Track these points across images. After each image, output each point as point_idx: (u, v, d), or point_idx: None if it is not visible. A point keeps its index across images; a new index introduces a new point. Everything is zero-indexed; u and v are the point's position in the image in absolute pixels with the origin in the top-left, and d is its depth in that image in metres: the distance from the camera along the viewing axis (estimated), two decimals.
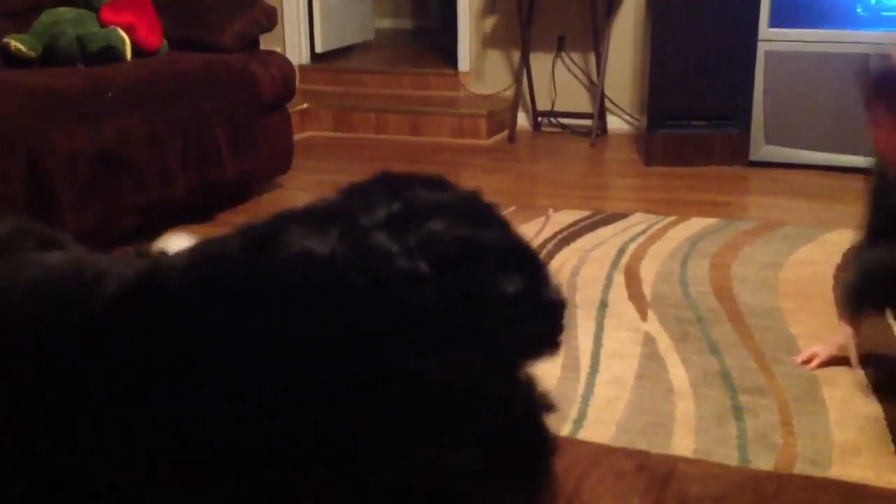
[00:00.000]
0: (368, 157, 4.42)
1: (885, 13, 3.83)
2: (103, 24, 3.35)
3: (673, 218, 3.32)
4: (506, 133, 4.76)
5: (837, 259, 2.88)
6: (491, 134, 4.72)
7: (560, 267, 2.85)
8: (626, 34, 4.74)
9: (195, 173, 3.26)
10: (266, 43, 3.92)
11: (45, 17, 3.33)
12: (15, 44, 3.25)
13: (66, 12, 3.35)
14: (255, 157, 3.58)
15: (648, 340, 2.34)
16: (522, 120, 4.90)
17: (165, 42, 3.53)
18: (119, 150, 2.94)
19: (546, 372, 2.14)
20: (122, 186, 2.96)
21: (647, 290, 2.67)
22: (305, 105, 4.83)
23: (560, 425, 1.93)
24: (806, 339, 2.33)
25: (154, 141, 3.08)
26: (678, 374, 2.16)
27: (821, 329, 2.37)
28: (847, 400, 2.02)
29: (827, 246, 3.01)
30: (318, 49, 5.42)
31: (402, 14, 7.18)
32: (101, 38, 3.27)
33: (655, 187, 3.86)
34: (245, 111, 3.51)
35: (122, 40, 3.28)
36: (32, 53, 3.26)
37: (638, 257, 2.93)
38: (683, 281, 2.73)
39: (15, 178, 2.59)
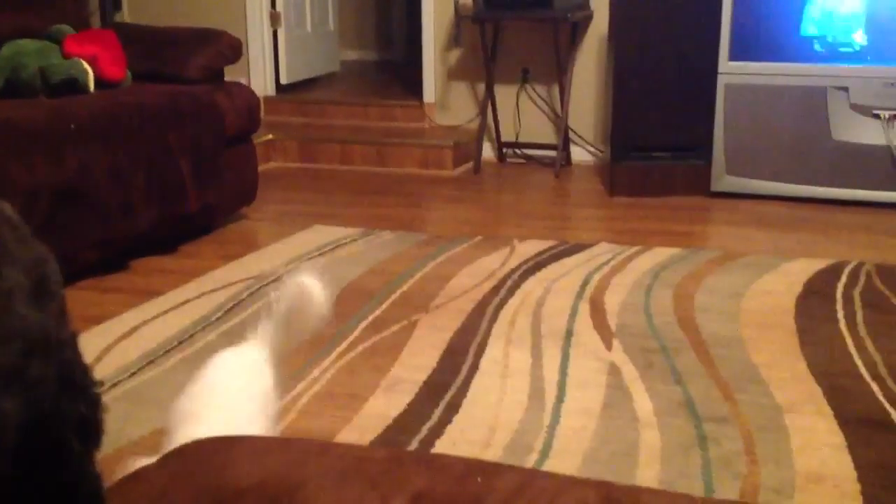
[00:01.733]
0: (334, 188, 4.42)
1: (841, 49, 3.91)
2: (66, 56, 3.33)
3: (637, 248, 3.35)
4: (471, 164, 4.79)
5: (798, 288, 2.91)
6: (456, 165, 4.74)
7: (525, 297, 2.86)
8: (588, 66, 4.80)
9: (159, 206, 3.24)
10: (231, 74, 3.92)
11: (6, 50, 3.30)
12: None
13: (28, 44, 3.32)
14: (219, 188, 3.56)
15: (613, 370, 2.34)
16: (487, 151, 4.93)
17: (129, 74, 3.51)
18: (81, 184, 2.91)
19: (512, 402, 2.15)
20: (85, 220, 2.93)
21: (611, 320, 2.68)
22: (270, 136, 4.82)
23: (526, 455, 1.92)
24: (768, 367, 2.35)
25: (117, 173, 3.05)
26: (643, 404, 2.16)
27: (783, 359, 2.40)
28: (810, 428, 2.04)
29: (787, 275, 3.04)
30: (284, 80, 5.43)
31: (367, 46, 7.22)
32: (64, 70, 3.25)
33: (619, 217, 3.89)
34: (209, 143, 3.50)
35: (86, 72, 3.27)
36: None
37: (602, 287, 2.95)
38: (647, 311, 2.75)
39: None
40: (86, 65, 3.27)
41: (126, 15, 5.12)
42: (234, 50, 3.80)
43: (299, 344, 2.48)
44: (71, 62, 3.27)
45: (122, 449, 1.97)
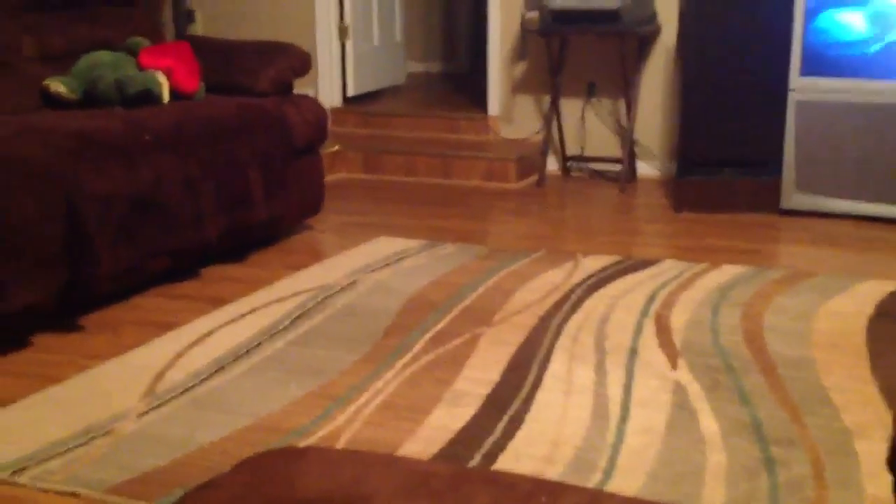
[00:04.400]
0: (398, 200, 4.45)
1: None
2: (142, 68, 3.42)
3: (703, 265, 3.31)
4: (535, 177, 4.78)
5: (869, 310, 2.85)
6: (520, 178, 4.74)
7: (589, 313, 2.84)
8: (655, 79, 4.76)
9: (228, 215, 3.29)
10: (300, 86, 3.98)
11: (85, 61, 3.40)
12: (55, 86, 3.32)
13: (105, 56, 3.42)
14: (286, 199, 3.62)
15: (678, 389, 2.32)
16: (552, 164, 4.92)
17: (202, 86, 3.59)
18: (154, 193, 2.98)
19: (575, 418, 2.14)
20: (157, 229, 3.00)
21: (677, 338, 2.66)
22: (337, 147, 4.88)
23: (589, 473, 1.92)
24: (838, 391, 2.30)
25: (188, 184, 3.12)
26: (708, 424, 2.14)
27: (853, 381, 2.35)
28: (880, 453, 2.00)
29: (859, 297, 2.98)
30: (351, 92, 5.49)
31: (432, 58, 7.26)
32: (140, 82, 3.33)
33: (685, 234, 3.85)
34: (278, 154, 3.56)
35: (160, 84, 3.34)
36: (72, 96, 3.33)
37: (668, 304, 2.92)
38: (714, 329, 2.72)
39: (53, 220, 2.63)
40: (161, 77, 3.35)
41: (199, 27, 5.23)
42: (303, 63, 3.86)
43: (358, 356, 2.50)
44: (146, 74, 3.36)
45: (192, 454, 2.01)
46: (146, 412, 2.21)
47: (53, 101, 3.33)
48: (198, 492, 1.13)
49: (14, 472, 1.92)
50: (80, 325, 2.78)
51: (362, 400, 2.27)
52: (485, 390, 2.32)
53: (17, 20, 3.44)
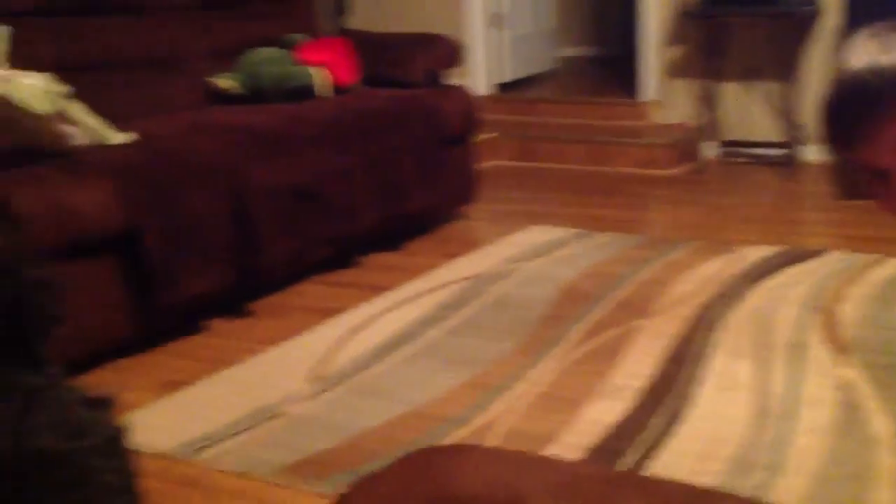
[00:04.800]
0: (550, 188, 4.44)
1: None
2: (301, 63, 3.53)
3: (873, 256, 3.16)
4: (692, 164, 4.67)
5: None
6: (676, 165, 4.65)
7: (750, 306, 2.77)
8: (818, 62, 4.56)
9: (383, 206, 3.37)
10: (453, 75, 4.02)
11: (248, 57, 3.54)
12: (222, 82, 3.48)
13: (267, 52, 3.55)
14: (440, 188, 3.67)
15: (846, 387, 2.23)
16: (710, 150, 4.79)
17: (359, 78, 3.68)
18: (313, 185, 3.09)
19: (735, 415, 2.09)
20: (318, 218, 3.10)
21: (845, 333, 2.55)
22: (489, 135, 4.91)
23: (750, 473, 1.87)
24: None
25: (345, 175, 3.21)
26: (879, 424, 2.05)
27: None
28: None
29: None
30: (503, 80, 5.51)
31: (585, 42, 7.19)
32: (300, 77, 3.45)
33: (852, 223, 3.68)
34: (431, 144, 3.61)
35: (320, 78, 3.45)
36: (237, 91, 3.48)
37: (835, 298, 2.81)
38: (887, 325, 2.59)
39: (220, 213, 2.77)
40: (320, 72, 3.46)
41: (353, 20, 5.35)
42: (454, 53, 3.90)
43: (513, 346, 2.53)
44: (306, 69, 3.47)
45: (355, 438, 2.08)
46: (312, 396, 2.30)
47: (220, 97, 3.49)
48: (361, 484, 1.18)
49: (192, 452, 2.04)
50: (250, 311, 2.91)
51: (517, 390, 2.29)
52: (641, 384, 2.30)
53: (187, 19, 3.62)
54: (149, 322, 2.62)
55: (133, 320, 2.58)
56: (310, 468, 1.96)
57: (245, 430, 2.13)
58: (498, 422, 2.14)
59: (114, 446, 1.06)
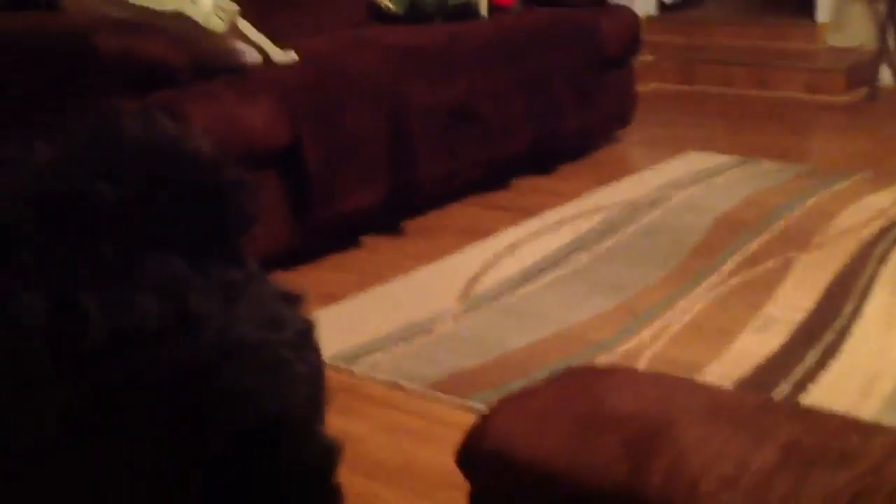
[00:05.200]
0: (712, 113, 4.30)
1: None
2: None
3: None
4: (865, 90, 4.41)
5: None
6: (848, 91, 4.40)
7: None
8: None
9: (537, 127, 3.35)
10: None
11: None
12: (385, 1, 3.51)
13: None
14: (596, 111, 3.61)
15: None
16: (886, 77, 4.51)
17: None
18: (469, 105, 3.10)
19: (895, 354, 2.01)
20: (471, 139, 3.12)
21: None
22: (650, 57, 4.77)
23: None
24: None
25: (500, 95, 3.20)
26: None
27: None
28: None
29: None
30: (667, 0, 5.32)
31: None
32: None
33: None
34: (589, 66, 3.55)
35: None
36: (398, 10, 3.51)
37: None
38: None
39: (380, 129, 2.82)
40: None
41: None
42: None
43: (665, 274, 2.50)
44: None
45: (502, 357, 2.13)
46: (461, 314, 2.35)
47: (381, 16, 3.53)
48: (513, 398, 1.21)
49: (348, 361, 2.13)
50: (403, 229, 2.98)
51: (666, 318, 2.27)
52: (798, 317, 2.24)
53: None
54: (307, 236, 2.72)
55: (292, 234, 2.69)
56: (458, 383, 2.02)
57: (396, 343, 2.21)
58: (645, 348, 2.14)
59: (305, 339, 1.13)
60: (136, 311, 0.92)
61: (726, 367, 2.03)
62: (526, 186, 3.37)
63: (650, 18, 5.17)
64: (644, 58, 4.68)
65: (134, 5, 2.43)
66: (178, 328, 0.96)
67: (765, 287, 2.41)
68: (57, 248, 0.94)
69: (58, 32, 2.40)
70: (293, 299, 1.17)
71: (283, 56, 2.80)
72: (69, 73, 2.33)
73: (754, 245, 2.69)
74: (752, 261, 2.58)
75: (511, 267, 2.63)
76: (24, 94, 2.42)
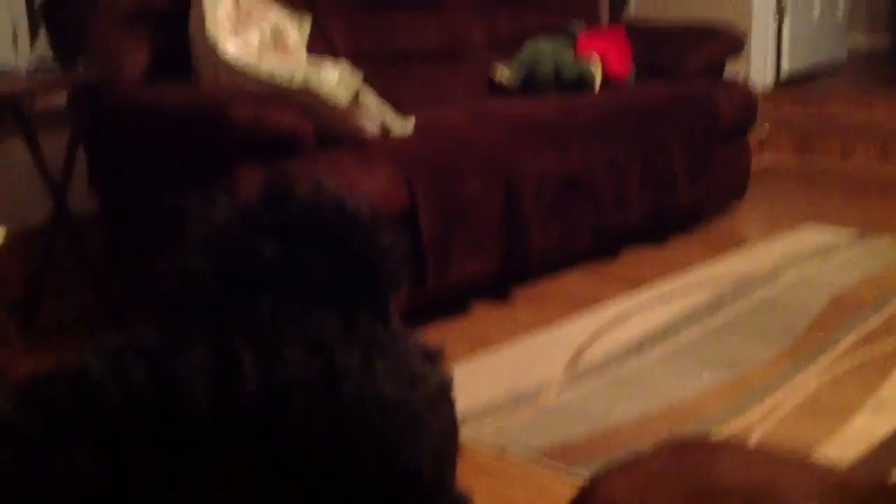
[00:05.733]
0: (830, 186, 4.22)
1: None
2: (579, 52, 3.59)
3: None
4: None
5: None
6: None
7: None
8: None
9: (650, 198, 3.37)
10: (731, 64, 3.92)
11: (528, 49, 3.65)
12: (500, 73, 3.61)
13: (545, 44, 3.64)
14: (710, 183, 3.60)
15: None
16: None
17: (633, 69, 3.68)
18: (581, 175, 3.14)
19: None
20: (582, 209, 3.15)
21: None
22: (767, 129, 4.73)
23: None
24: None
25: (614, 166, 3.23)
26: None
27: None
28: None
29: None
30: (785, 72, 5.27)
31: (879, 30, 6.71)
32: (574, 69, 3.51)
33: None
34: (703, 137, 3.55)
35: (594, 71, 3.50)
36: (512, 83, 3.59)
37: None
38: None
39: (494, 198, 2.89)
40: (594, 64, 3.50)
41: (633, 8, 5.32)
42: (734, 45, 3.81)
43: (776, 351, 2.46)
44: (580, 62, 3.52)
45: (609, 430, 2.13)
46: (568, 384, 2.37)
47: (498, 87, 3.63)
48: (621, 467, 1.23)
49: None
50: (512, 297, 3.02)
51: (778, 396, 2.24)
52: None
53: (470, 9, 3.77)
54: (418, 300, 2.79)
55: (405, 297, 2.76)
56: (563, 454, 2.03)
57: (502, 411, 2.24)
58: (756, 426, 2.11)
59: (442, 395, 1.19)
60: (286, 364, 0.99)
61: (839, 449, 1.98)
62: (638, 257, 3.37)
63: (767, 90, 5.13)
64: (762, 130, 4.65)
65: (263, 78, 2.58)
66: (322, 382, 1.02)
67: (881, 368, 2.35)
68: (225, 301, 1.02)
69: (197, 104, 2.57)
70: (433, 355, 1.23)
71: (403, 125, 2.90)
72: (207, 140, 2.49)
73: (871, 324, 2.63)
74: (869, 340, 2.52)
75: (620, 338, 2.63)
76: (174, 157, 2.60)
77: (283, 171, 1.17)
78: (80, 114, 2.79)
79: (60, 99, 2.95)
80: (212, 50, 2.65)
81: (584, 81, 3.50)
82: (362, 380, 1.06)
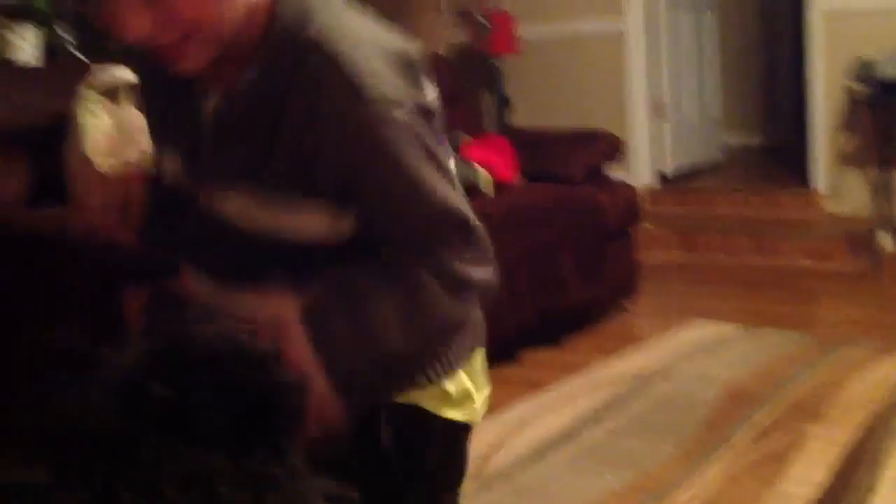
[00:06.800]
0: (714, 281, 4.36)
1: None
2: (465, 161, 3.65)
3: None
4: (866, 258, 4.48)
5: None
6: (849, 258, 4.46)
7: None
8: None
9: (542, 300, 3.40)
10: (613, 167, 4.05)
11: None
12: None
13: None
14: (599, 282, 3.67)
15: None
16: (886, 243, 4.58)
17: (519, 175, 3.76)
18: None
19: None
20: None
21: None
22: (651, 227, 4.87)
23: None
24: None
25: (505, 270, 3.25)
26: None
27: None
28: None
29: None
30: (668, 172, 5.47)
31: (751, 129, 7.07)
32: (464, 176, 3.56)
33: None
34: (591, 239, 3.64)
35: (485, 178, 3.56)
36: None
37: None
38: None
39: None
40: (485, 172, 3.57)
41: (515, 115, 5.47)
42: (614, 148, 3.94)
43: (676, 449, 2.47)
44: (471, 169, 3.58)
45: None
46: (472, 496, 2.32)
47: None
48: None
49: None
50: None
51: (680, 497, 2.24)
52: (811, 493, 2.20)
53: None
54: None
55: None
56: None
57: None
58: None
59: None
60: (164, 499, 0.94)
61: None
62: (533, 359, 3.38)
63: (650, 189, 5.31)
64: (646, 228, 4.79)
65: None
66: None
67: (777, 461, 2.38)
68: (107, 442, 0.97)
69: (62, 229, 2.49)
70: (341, 499, 1.18)
71: None
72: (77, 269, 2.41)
73: (764, 417, 2.67)
74: (763, 434, 2.56)
75: (521, 444, 2.61)
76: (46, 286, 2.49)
77: (173, 300, 1.13)
78: None
79: None
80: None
81: (474, 188, 3.54)
82: None
